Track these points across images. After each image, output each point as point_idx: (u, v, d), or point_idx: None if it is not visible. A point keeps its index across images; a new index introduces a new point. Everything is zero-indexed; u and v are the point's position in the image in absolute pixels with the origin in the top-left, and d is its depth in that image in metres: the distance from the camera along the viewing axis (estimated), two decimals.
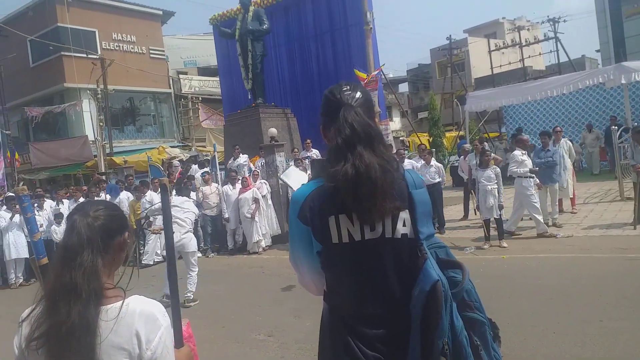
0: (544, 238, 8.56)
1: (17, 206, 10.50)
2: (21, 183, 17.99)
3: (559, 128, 10.61)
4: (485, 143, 11.93)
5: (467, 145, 12.45)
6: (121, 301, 1.46)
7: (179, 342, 1.62)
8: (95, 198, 11.07)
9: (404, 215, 1.59)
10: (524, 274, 6.76)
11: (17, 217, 10.16)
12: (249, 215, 10.46)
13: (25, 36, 22.07)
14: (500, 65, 32.20)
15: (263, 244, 10.68)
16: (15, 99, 23.28)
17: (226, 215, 10.95)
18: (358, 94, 1.67)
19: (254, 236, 10.53)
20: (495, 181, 8.53)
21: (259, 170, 11.61)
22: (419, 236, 1.58)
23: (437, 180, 10.17)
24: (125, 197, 11.28)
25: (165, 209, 1.72)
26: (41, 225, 10.57)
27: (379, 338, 1.56)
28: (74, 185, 13.76)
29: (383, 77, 15.34)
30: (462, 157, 11.98)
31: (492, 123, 25.12)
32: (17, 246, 10.08)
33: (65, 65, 23.03)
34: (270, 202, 11.18)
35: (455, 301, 1.54)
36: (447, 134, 25.70)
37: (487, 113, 19.13)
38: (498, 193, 8.50)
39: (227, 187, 11.13)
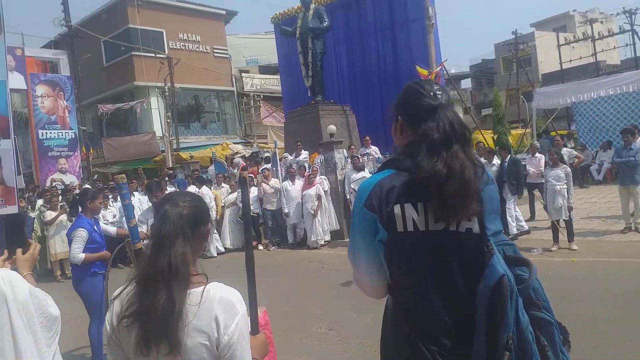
0: (616, 241, 8.09)
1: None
2: (95, 176, 19.14)
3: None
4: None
5: (536, 143, 11.96)
6: (203, 287, 1.53)
7: (255, 329, 1.68)
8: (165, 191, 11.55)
9: None
10: (595, 278, 6.42)
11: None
12: (312, 211, 10.59)
13: (99, 37, 23.35)
14: (570, 60, 30.61)
15: (323, 239, 10.77)
16: (90, 96, 24.69)
17: (286, 210, 11.11)
18: (447, 96, 1.71)
19: (315, 231, 10.67)
20: (565, 181, 8.15)
21: (317, 167, 11.70)
22: (486, 232, 1.57)
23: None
24: (192, 191, 11.69)
25: (245, 201, 1.78)
26: (114, 216, 11.21)
27: (443, 332, 1.55)
28: (143, 180, 14.42)
29: (445, 73, 15.00)
30: (530, 155, 11.53)
31: (560, 120, 24.00)
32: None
33: (135, 64, 24.16)
34: (330, 198, 11.26)
35: (521, 297, 1.51)
36: (513, 132, 24.75)
37: (555, 110, 18.29)
38: (568, 193, 8.12)
39: (287, 183, 11.28)
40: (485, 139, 16.00)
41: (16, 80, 17.10)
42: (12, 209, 4.37)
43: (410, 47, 14.87)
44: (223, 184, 12.46)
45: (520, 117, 28.44)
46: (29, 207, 10.70)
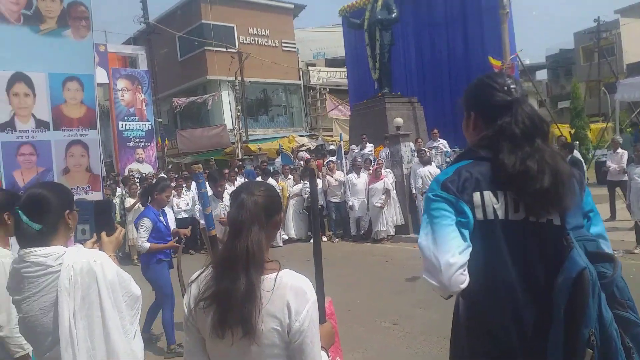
0: None
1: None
2: (170, 166, 20.07)
3: None
4: None
5: (618, 138, 11.20)
6: (276, 273, 1.58)
7: (322, 317, 1.70)
8: (234, 181, 11.94)
9: None
10: None
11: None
12: (379, 205, 10.54)
13: (174, 33, 24.35)
14: None
15: (388, 233, 10.70)
16: (166, 90, 25.86)
17: (350, 203, 11.12)
18: (521, 89, 1.66)
19: (380, 225, 10.61)
20: None
21: (383, 160, 11.60)
22: (566, 226, 1.52)
23: None
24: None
25: (313, 193, 1.81)
26: (187, 204, 11.72)
27: (519, 325, 1.51)
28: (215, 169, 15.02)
29: (520, 64, 14.34)
30: (611, 150, 10.83)
31: None
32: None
33: (208, 59, 25.01)
34: (395, 192, 11.13)
35: (604, 293, 1.44)
36: (592, 126, 23.29)
37: None
38: None
39: (352, 176, 11.27)
40: (562, 133, 15.17)
41: (99, 75, 18.21)
42: (98, 195, 4.69)
43: (483, 38, 14.35)
44: (289, 176, 12.67)
45: (601, 111, 26.69)
46: (111, 194, 11.40)
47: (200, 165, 4.19)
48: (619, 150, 10.37)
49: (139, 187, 11.22)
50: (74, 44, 4.55)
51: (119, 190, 11.74)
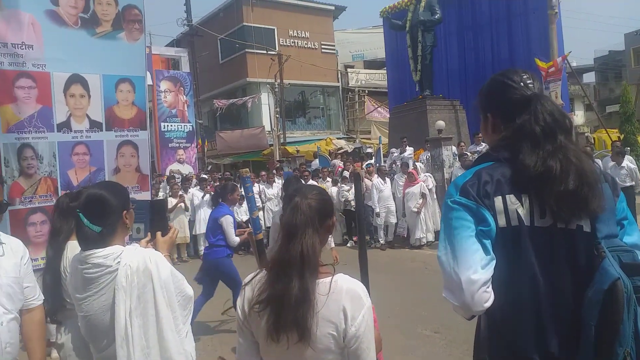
0: None
1: (208, 187, 11.93)
2: (209, 167, 20.40)
3: None
4: None
5: None
6: (331, 277, 1.56)
7: None
8: (273, 183, 12.02)
9: None
10: None
11: (207, 197, 11.50)
12: (415, 210, 10.35)
13: (216, 35, 24.77)
14: None
15: (426, 238, 10.51)
16: (207, 92, 26.32)
17: (377, 210, 10.71)
18: (538, 84, 1.57)
19: (419, 232, 10.41)
20: None
21: (422, 164, 11.42)
22: (597, 234, 1.39)
23: (629, 184, 8.93)
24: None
25: (358, 198, 1.79)
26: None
27: (545, 343, 1.40)
28: (253, 171, 15.19)
29: (568, 66, 13.91)
30: None
31: None
32: (206, 222, 11.35)
33: (248, 61, 25.32)
34: (435, 196, 10.94)
35: None
36: None
37: None
38: None
39: (379, 181, 10.88)
40: (610, 138, 14.59)
41: None
42: (146, 195, 4.80)
43: (529, 39, 13.99)
44: (328, 178, 12.66)
45: None
46: (155, 194, 11.68)
47: (247, 169, 4.26)
48: None
49: (180, 188, 11.43)
50: (127, 46, 4.67)
51: (161, 192, 11.98)
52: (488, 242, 1.40)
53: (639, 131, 21.68)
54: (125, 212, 2.15)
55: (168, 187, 11.77)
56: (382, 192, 10.85)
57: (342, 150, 18.10)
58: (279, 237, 1.64)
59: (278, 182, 11.70)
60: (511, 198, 1.42)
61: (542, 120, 1.45)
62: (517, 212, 1.41)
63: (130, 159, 4.74)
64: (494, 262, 1.39)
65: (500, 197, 1.42)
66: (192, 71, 21.83)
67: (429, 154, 11.86)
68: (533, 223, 1.40)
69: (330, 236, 1.87)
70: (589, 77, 39.13)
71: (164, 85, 20.07)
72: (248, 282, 1.69)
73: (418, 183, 10.49)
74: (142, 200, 2.62)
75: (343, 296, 1.54)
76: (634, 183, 9.13)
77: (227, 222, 5.39)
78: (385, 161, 12.89)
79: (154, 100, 20.32)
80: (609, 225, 1.41)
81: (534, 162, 1.40)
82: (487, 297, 1.36)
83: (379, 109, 24.05)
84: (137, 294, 2.02)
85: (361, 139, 23.33)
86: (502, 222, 1.41)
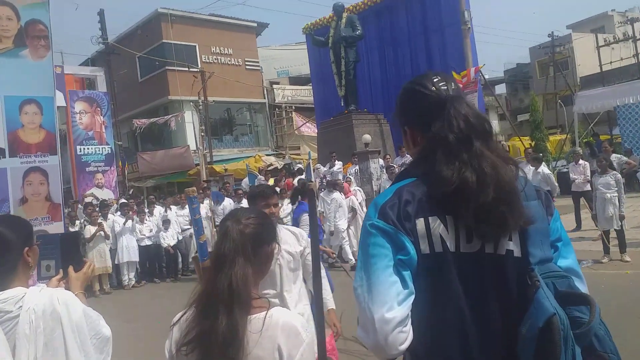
0: None
1: (131, 212, 11.29)
2: (131, 191, 19.44)
3: None
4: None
5: (579, 149, 11.52)
6: (265, 312, 1.42)
7: (322, 356, 1.57)
8: (201, 204, 11.56)
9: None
10: None
11: (129, 223, 10.88)
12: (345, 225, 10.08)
13: (134, 53, 23.86)
14: (611, 62, 29.63)
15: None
16: (126, 111, 25.21)
17: (332, 228, 9.85)
18: (454, 85, 1.41)
19: (353, 246, 9.89)
20: (616, 188, 7.78)
21: (351, 177, 11.50)
22: (529, 259, 1.24)
23: (546, 189, 9.44)
24: (228, 204, 11.63)
25: (313, 215, 1.65)
26: (150, 230, 11.28)
27: None
28: (179, 194, 14.60)
29: (482, 78, 14.69)
30: (573, 162, 11.10)
31: (601, 125, 23.17)
32: (129, 250, 10.76)
33: (169, 79, 24.56)
34: (364, 210, 10.98)
35: (579, 345, 1.16)
36: (551, 138, 24.07)
37: (597, 114, 17.65)
38: (619, 202, 7.73)
39: (324, 194, 10.62)
40: (531, 145, 15.53)
41: (56, 98, 17.58)
42: (59, 225, 4.36)
43: (446, 53, 14.66)
44: None
45: (558, 123, 27.63)
46: (69, 222, 10.84)
47: (194, 188, 3.96)
48: (581, 161, 10.62)
49: (99, 215, 10.74)
50: (32, 64, 4.26)
51: (78, 221, 11.14)
52: (407, 274, 1.23)
53: (547, 138, 23.34)
54: (27, 249, 1.88)
55: (85, 215, 11.00)
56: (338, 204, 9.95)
57: (272, 167, 17.92)
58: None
59: (206, 204, 11.31)
60: (434, 220, 1.25)
61: (456, 126, 1.28)
62: (440, 236, 1.24)
63: (39, 187, 4.30)
64: (413, 296, 1.23)
65: (422, 219, 1.25)
66: (110, 90, 20.87)
67: (357, 168, 11.99)
68: (459, 248, 1.24)
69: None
70: (500, 89, 41.82)
71: (79, 106, 19.02)
72: (175, 322, 1.52)
73: (349, 196, 10.41)
74: (50, 234, 2.32)
75: (278, 333, 1.40)
76: (549, 188, 9.65)
77: (306, 221, 5.42)
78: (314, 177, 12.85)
79: (69, 123, 19.16)
80: (542, 249, 1.26)
81: (450, 175, 1.23)
82: (402, 339, 1.20)
83: (307, 124, 24.16)
84: (44, 341, 1.76)
85: (290, 154, 23.27)
86: (424, 248, 1.24)
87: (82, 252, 2.30)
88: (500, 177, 1.22)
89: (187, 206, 11.88)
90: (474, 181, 1.21)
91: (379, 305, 1.20)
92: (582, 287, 1.30)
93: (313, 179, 12.42)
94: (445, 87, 1.38)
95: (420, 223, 1.25)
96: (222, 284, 1.39)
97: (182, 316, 1.51)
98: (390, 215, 1.26)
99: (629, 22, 30.60)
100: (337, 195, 10.03)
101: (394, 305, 1.19)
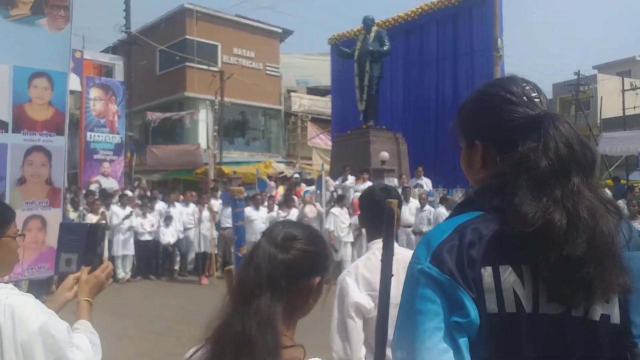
0: None
1: (129, 208, 10.95)
2: (137, 182, 19.14)
3: None
4: None
5: (608, 191, 11.09)
6: None
7: None
8: (206, 205, 11.20)
9: None
10: None
11: (129, 220, 10.56)
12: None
13: (156, 46, 23.71)
14: (635, 107, 29.28)
15: None
16: (140, 103, 25.01)
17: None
18: (546, 99, 1.13)
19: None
20: None
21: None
22: (631, 330, 0.97)
23: None
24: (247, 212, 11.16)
25: (388, 248, 1.26)
26: (152, 225, 10.94)
27: None
28: (184, 190, 14.27)
29: None
30: None
31: (618, 169, 22.70)
32: (126, 243, 10.46)
33: (188, 75, 24.41)
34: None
35: None
36: None
37: (618, 157, 17.24)
38: None
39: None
40: None
41: (72, 82, 17.36)
42: (57, 212, 3.97)
43: (474, 78, 14.33)
44: (265, 203, 12.03)
45: None
46: (72, 209, 10.50)
47: (242, 188, 3.48)
48: None
49: (101, 204, 10.45)
50: (49, 35, 3.90)
51: (80, 208, 10.81)
52: (464, 341, 0.93)
53: None
54: None
55: (85, 202, 10.70)
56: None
57: (282, 175, 17.59)
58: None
59: (215, 204, 10.95)
60: (506, 269, 0.96)
61: (554, 151, 0.98)
62: (514, 291, 0.95)
63: (40, 168, 3.92)
64: None
65: (490, 268, 0.96)
66: (126, 80, 20.69)
67: (368, 184, 11.60)
68: (537, 309, 0.96)
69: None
70: None
71: (94, 92, 18.86)
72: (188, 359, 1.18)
73: (357, 213, 10.09)
74: (76, 223, 1.93)
75: None
76: None
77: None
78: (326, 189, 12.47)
79: (82, 108, 18.96)
80: None
81: (533, 212, 0.93)
82: None
83: (321, 135, 23.87)
84: None
85: (302, 164, 22.95)
86: (491, 306, 0.95)
87: (101, 250, 1.90)
88: (598, 228, 0.93)
89: (191, 204, 11.57)
90: (562, 226, 0.92)
91: None
92: None
93: (323, 192, 12.04)
94: (539, 100, 1.09)
95: (487, 273, 0.95)
96: (239, 325, 1.05)
97: (194, 353, 1.16)
98: (447, 261, 0.96)
99: None
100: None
101: None
